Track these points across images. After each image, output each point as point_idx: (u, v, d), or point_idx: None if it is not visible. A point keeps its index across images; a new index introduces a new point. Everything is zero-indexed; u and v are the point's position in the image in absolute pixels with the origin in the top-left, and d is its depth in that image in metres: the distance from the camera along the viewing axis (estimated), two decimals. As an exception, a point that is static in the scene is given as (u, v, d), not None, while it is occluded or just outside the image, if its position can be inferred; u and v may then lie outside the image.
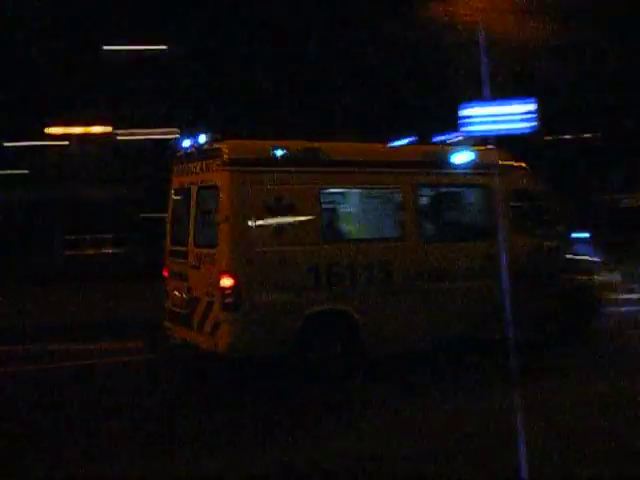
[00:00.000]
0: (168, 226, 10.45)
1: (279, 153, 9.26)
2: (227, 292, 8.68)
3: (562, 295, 10.88)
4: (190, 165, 9.79)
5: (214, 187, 9.07)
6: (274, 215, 9.05)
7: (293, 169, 9.20)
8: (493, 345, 8.31)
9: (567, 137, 34.98)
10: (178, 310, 9.78)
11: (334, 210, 9.78)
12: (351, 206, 9.95)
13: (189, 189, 9.77)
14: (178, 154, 10.19)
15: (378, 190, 9.92)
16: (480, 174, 10.42)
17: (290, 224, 9.11)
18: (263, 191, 9.04)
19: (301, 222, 9.15)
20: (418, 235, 9.89)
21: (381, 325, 9.34)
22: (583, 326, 11.14)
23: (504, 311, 6.39)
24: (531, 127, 6.43)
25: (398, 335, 9.55)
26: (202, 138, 9.56)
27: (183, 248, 9.76)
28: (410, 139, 11.18)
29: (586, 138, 35.44)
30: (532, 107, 6.37)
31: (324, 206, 9.46)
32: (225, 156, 8.98)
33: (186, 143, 9.95)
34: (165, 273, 10.28)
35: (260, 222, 8.95)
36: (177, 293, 9.81)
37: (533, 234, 10.91)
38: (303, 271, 9.05)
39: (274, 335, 8.79)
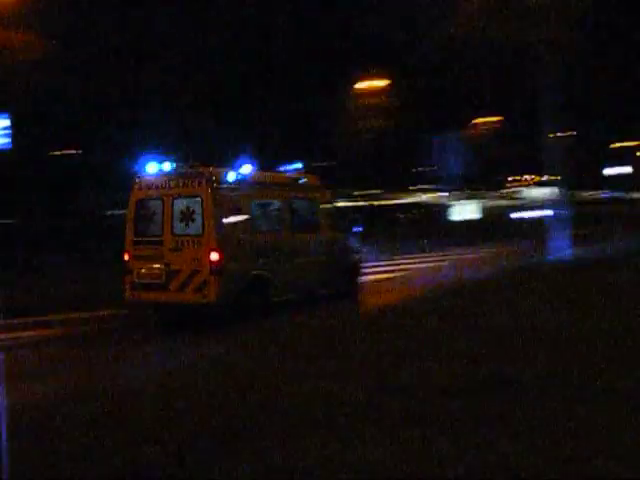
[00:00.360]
0: (130, 224, 14.38)
1: (232, 178, 14.25)
2: (215, 262, 13.24)
3: (347, 267, 17.18)
4: (162, 182, 14.08)
5: (196, 196, 13.60)
6: (234, 215, 14.05)
7: (240, 187, 14.37)
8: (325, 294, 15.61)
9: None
10: (149, 281, 13.90)
11: (260, 212, 15.16)
12: (265, 210, 15.38)
13: (162, 198, 14.03)
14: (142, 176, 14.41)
15: (272, 200, 15.57)
16: (310, 191, 16.65)
17: (241, 221, 14.15)
18: (227, 200, 13.88)
19: (246, 219, 14.38)
20: (290, 228, 15.59)
21: (277, 283, 14.68)
22: (354, 287, 17.61)
23: (326, 275, 15.15)
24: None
25: (286, 289, 15.00)
26: (180, 166, 14.32)
27: (156, 238, 13.94)
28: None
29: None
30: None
31: (255, 210, 14.80)
32: (207, 178, 13.70)
33: (166, 167, 14.23)
34: (128, 257, 14.18)
35: (226, 219, 13.78)
36: (148, 270, 13.96)
37: (334, 229, 16.95)
38: (248, 250, 14.02)
39: (235, 289, 13.51)
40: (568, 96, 26.78)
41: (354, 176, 45.39)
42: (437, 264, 24.80)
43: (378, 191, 67.73)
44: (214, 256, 13.37)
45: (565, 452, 5.44)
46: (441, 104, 43.43)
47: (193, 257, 13.50)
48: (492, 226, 42.87)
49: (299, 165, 17.45)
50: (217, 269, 13.33)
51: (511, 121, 46.51)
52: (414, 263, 25.32)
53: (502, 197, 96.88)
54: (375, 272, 21.30)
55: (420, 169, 57.54)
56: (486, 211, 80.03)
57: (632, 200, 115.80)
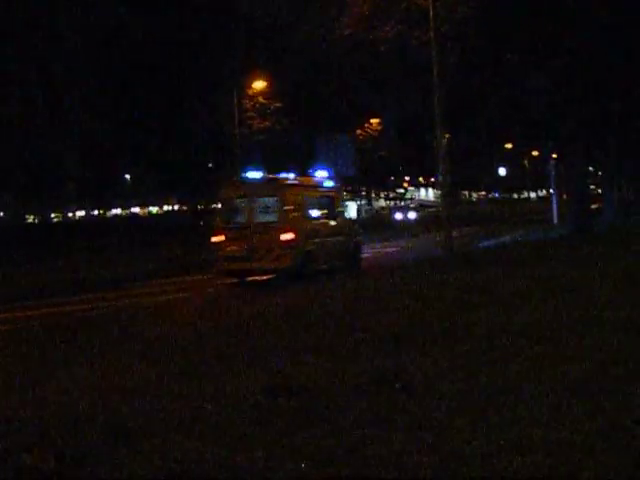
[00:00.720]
0: (221, 214, 20.96)
1: (292, 182, 21.94)
2: (287, 241, 19.16)
3: (355, 245, 22.80)
4: (247, 185, 20.54)
5: (273, 196, 19.80)
6: (295, 208, 20.17)
7: (296, 188, 21.14)
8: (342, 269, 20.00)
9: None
10: (236, 255, 19.41)
11: (307, 206, 21.26)
12: (309, 204, 21.52)
13: (247, 197, 20.02)
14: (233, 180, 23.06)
15: (312, 197, 21.93)
16: (332, 190, 22.92)
17: (299, 212, 20.51)
18: (291, 198, 20.07)
19: (301, 211, 20.79)
20: (325, 217, 22.33)
21: (319, 256, 20.21)
22: (358, 261, 22.91)
23: (343, 251, 21.40)
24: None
25: (322, 261, 20.43)
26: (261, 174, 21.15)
27: (242, 223, 19.74)
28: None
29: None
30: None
31: (305, 205, 21.24)
32: (280, 183, 20.52)
33: (253, 175, 21.25)
34: (218, 238, 19.86)
35: (292, 212, 19.71)
36: (236, 247, 19.49)
37: (344, 217, 23.35)
38: (304, 232, 19.70)
39: (297, 260, 19.27)
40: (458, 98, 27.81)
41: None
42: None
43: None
44: (287, 236, 19.19)
45: (463, 448, 5.19)
46: (330, 105, 42.95)
47: (270, 238, 19.04)
48: (373, 227, 44.59)
49: (325, 172, 23.86)
50: (288, 246, 19.17)
51: (399, 123, 46.42)
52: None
53: (389, 198, 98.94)
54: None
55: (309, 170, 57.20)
56: (367, 212, 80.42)
57: (514, 200, 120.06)
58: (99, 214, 73.80)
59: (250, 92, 42.89)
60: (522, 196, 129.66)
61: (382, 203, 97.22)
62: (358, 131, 59.25)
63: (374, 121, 62.47)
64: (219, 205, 21.75)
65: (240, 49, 38.88)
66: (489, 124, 34.29)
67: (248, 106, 42.55)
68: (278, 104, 42.41)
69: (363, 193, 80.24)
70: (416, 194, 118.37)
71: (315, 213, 20.91)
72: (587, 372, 6.91)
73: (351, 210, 55.50)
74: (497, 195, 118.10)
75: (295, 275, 18.64)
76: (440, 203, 27.70)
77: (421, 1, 22.88)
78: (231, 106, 39.87)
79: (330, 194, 21.99)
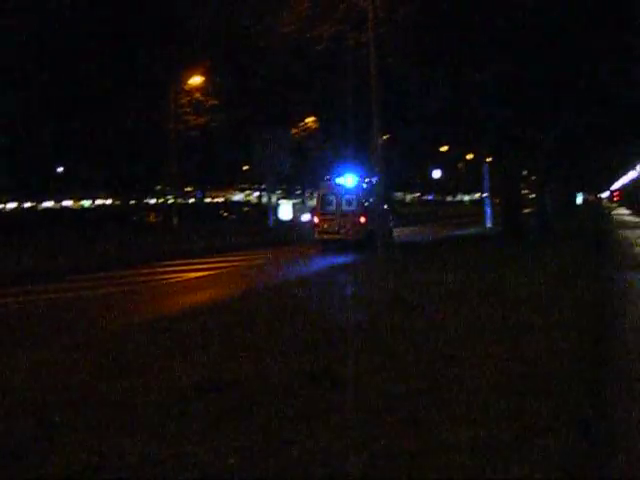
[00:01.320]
0: (319, 204, 31.10)
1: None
2: (362, 223, 29.27)
3: (389, 231, 28.28)
4: (335, 185, 31.17)
5: (353, 193, 30.20)
6: (363, 201, 30.19)
7: (362, 188, 31.51)
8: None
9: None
10: (329, 229, 29.71)
11: (364, 200, 30.82)
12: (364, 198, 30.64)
13: (336, 193, 30.59)
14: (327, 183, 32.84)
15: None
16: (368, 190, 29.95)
17: (365, 204, 30.25)
18: (362, 194, 31.17)
19: (365, 203, 30.69)
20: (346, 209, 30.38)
21: (376, 234, 24.64)
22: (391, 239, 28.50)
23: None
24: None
25: (377, 237, 24.06)
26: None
27: (333, 211, 30.05)
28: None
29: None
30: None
31: (364, 198, 31.08)
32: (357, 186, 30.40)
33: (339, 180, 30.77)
34: (318, 219, 30.51)
35: (364, 205, 29.40)
36: (329, 225, 29.87)
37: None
38: (367, 217, 29.00)
39: (366, 235, 28.16)
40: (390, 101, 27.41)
41: (181, 172, 44.30)
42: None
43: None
44: (362, 219, 29.31)
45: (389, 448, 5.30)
46: (270, 102, 42.63)
47: (352, 220, 29.45)
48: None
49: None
50: (362, 226, 29.16)
51: (337, 122, 45.87)
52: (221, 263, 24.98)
53: None
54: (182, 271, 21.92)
55: (247, 167, 57.02)
56: (300, 211, 78.77)
57: (448, 203, 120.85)
58: (31, 207, 72.14)
59: (186, 88, 42.26)
60: (456, 199, 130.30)
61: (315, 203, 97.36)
62: (294, 130, 58.10)
63: (309, 120, 59.89)
64: (315, 197, 34.98)
65: (175, 44, 37.96)
66: (426, 124, 34.12)
67: (184, 102, 41.95)
68: (214, 101, 41.75)
69: (297, 192, 78.67)
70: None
71: (367, 205, 29.24)
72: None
73: (285, 209, 54.67)
74: (431, 198, 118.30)
75: (365, 244, 27.24)
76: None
77: (361, 2, 22.56)
78: (167, 102, 39.24)
79: (361, 191, 30.68)
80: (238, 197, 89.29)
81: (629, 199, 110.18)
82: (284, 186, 66.07)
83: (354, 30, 24.30)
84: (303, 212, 79.80)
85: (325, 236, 29.62)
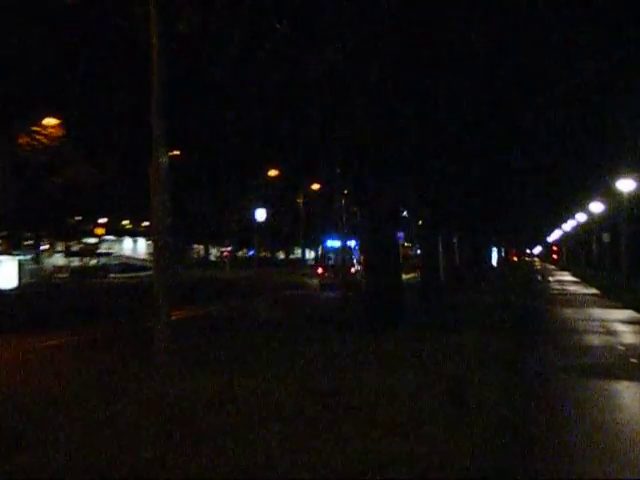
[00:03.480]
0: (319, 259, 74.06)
1: None
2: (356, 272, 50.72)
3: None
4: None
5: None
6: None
7: None
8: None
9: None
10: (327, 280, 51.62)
11: None
12: None
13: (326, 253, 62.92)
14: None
15: None
16: None
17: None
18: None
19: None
20: None
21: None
22: None
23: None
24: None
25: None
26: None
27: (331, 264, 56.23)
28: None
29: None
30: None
31: None
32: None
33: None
34: (320, 271, 54.06)
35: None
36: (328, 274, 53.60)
37: None
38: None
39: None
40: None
41: None
42: None
43: None
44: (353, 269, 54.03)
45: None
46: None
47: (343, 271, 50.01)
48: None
49: None
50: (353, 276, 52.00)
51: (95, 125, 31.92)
52: None
53: (71, 253, 79.17)
54: None
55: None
56: (32, 275, 60.32)
57: (282, 262, 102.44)
58: None
59: None
60: (295, 255, 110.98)
61: (59, 260, 75.78)
62: (22, 139, 40.84)
63: (49, 122, 41.05)
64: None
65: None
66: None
67: None
68: None
69: (27, 243, 62.03)
70: (117, 247, 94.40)
71: None
72: None
73: (4, 271, 41.17)
74: (252, 253, 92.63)
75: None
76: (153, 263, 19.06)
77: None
78: None
79: None
80: None
81: (575, 256, 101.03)
82: (3, 232, 48.06)
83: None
84: (39, 276, 60.90)
85: (323, 284, 48.87)
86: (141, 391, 12.76)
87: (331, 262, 51.20)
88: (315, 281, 53.57)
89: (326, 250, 54.68)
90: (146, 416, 10.86)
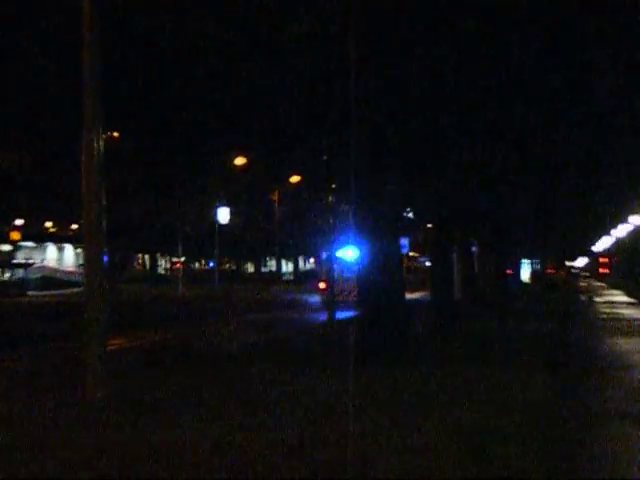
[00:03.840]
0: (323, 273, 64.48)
1: None
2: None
3: None
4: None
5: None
6: None
7: None
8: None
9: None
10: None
11: None
12: None
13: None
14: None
15: None
16: None
17: None
18: None
19: None
20: None
21: None
22: None
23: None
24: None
25: None
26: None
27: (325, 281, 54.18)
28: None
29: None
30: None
31: None
32: None
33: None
34: (323, 286, 52.11)
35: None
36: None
37: None
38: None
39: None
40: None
41: None
42: None
43: None
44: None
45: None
46: None
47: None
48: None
49: None
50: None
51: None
52: None
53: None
54: None
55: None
56: None
57: (246, 277, 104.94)
58: None
59: None
60: (268, 267, 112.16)
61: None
62: None
63: None
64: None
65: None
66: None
67: None
68: None
69: None
70: (38, 256, 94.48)
71: None
72: None
73: None
74: (212, 265, 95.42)
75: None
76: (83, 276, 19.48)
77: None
78: None
79: None
80: None
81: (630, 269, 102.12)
82: None
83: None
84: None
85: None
86: (69, 444, 12.51)
87: (343, 274, 47.07)
88: (317, 298, 53.71)
89: (333, 261, 46.22)
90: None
